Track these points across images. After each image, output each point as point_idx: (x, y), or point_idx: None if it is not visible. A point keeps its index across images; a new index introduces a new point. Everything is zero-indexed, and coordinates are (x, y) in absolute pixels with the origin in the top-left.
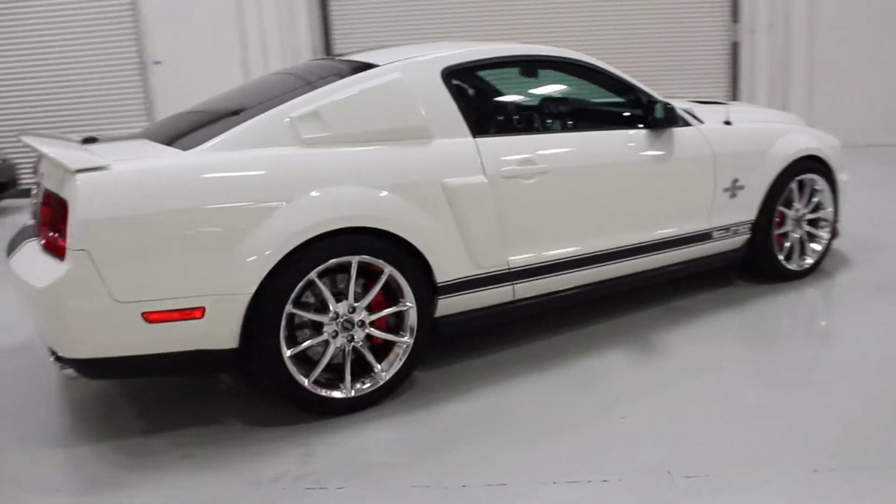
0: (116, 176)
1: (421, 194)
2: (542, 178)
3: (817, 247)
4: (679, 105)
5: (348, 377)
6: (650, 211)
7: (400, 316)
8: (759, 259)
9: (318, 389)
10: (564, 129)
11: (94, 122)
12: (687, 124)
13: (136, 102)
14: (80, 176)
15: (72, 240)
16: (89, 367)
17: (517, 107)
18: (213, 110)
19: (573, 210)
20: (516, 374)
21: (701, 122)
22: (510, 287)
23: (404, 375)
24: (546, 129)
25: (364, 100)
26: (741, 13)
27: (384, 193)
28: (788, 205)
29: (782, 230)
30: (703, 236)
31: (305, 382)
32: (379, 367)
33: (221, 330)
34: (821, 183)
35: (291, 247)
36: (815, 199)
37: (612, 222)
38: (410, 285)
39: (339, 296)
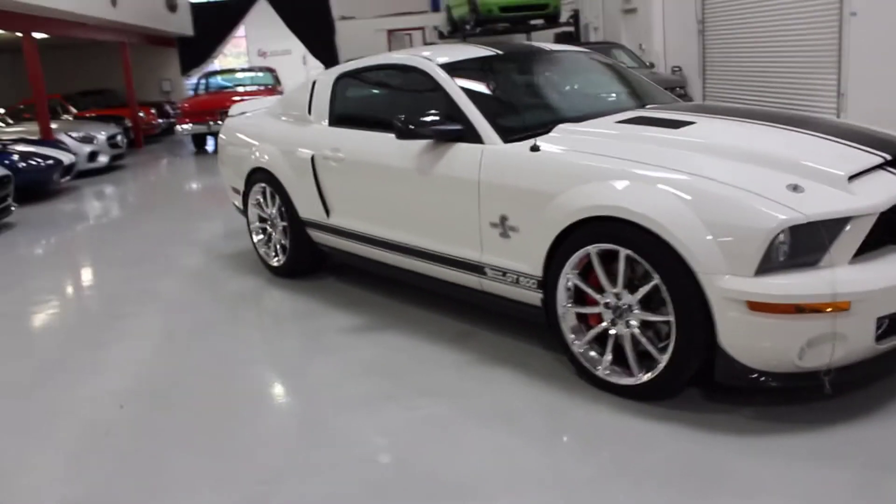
0: None
1: (291, 156)
2: (341, 164)
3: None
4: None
5: None
6: (421, 219)
7: None
8: (555, 334)
9: None
10: (377, 128)
11: (787, 69)
12: (476, 141)
13: (829, 54)
14: None
15: None
16: None
17: (364, 107)
18: None
19: (363, 196)
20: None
21: (508, 141)
22: (342, 240)
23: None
24: (368, 127)
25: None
26: None
27: (275, 149)
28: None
29: (589, 311)
30: (475, 268)
31: None
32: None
33: None
34: (654, 273)
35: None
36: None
37: (392, 218)
38: (285, 210)
39: None
